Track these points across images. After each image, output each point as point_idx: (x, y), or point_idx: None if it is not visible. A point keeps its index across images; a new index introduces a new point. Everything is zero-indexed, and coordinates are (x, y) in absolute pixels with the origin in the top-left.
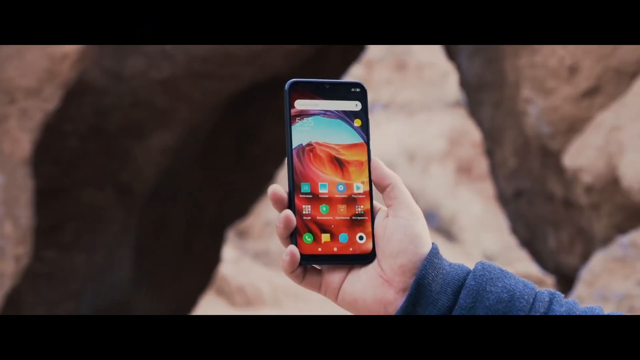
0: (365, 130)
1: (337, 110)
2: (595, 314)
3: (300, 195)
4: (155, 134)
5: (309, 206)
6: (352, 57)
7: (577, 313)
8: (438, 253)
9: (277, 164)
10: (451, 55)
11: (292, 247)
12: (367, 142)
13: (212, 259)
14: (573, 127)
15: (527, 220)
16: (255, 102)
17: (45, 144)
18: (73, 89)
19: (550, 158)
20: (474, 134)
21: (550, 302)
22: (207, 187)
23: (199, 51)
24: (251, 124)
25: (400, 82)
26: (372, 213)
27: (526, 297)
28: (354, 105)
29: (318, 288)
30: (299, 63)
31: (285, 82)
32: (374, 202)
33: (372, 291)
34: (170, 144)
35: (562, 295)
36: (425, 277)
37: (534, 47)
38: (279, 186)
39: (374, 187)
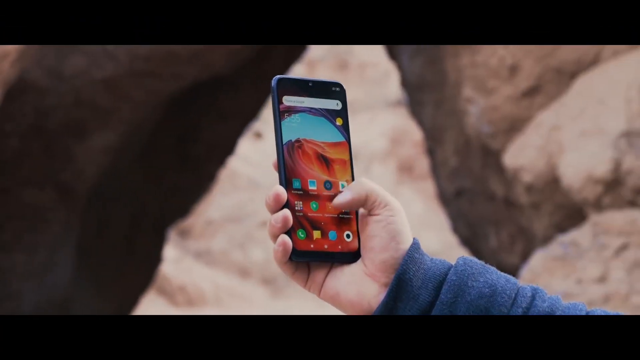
0: (346, 129)
1: (320, 108)
2: (578, 310)
3: (292, 191)
4: (97, 133)
5: (301, 202)
6: (294, 57)
7: (560, 309)
8: (419, 248)
9: (219, 164)
10: (392, 55)
11: (285, 237)
12: (349, 141)
13: (154, 259)
14: (513, 127)
15: (468, 220)
16: (197, 102)
17: None
18: (13, 88)
19: (491, 157)
20: (416, 134)
21: (533, 297)
22: (148, 187)
23: (140, 50)
24: (193, 123)
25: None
26: (357, 211)
27: (508, 292)
28: (336, 104)
29: (304, 283)
30: (241, 62)
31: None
32: None
33: (354, 285)
34: (112, 144)
35: (545, 291)
36: (406, 272)
37: (474, 46)
38: (283, 188)
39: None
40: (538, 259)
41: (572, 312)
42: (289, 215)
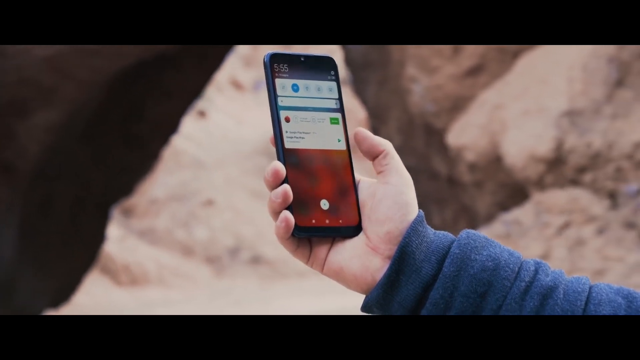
0: (339, 100)
1: (313, 82)
2: (582, 283)
3: (291, 166)
4: (40, 111)
5: (300, 177)
6: None
7: (563, 283)
8: (423, 221)
9: (163, 142)
10: None
11: (287, 213)
12: (343, 114)
13: (97, 238)
14: (457, 106)
15: None
16: (141, 81)
17: None
18: None
19: (435, 136)
20: (359, 112)
21: (536, 271)
22: (92, 166)
23: None
24: (137, 102)
25: None
26: (355, 184)
27: (511, 265)
28: (328, 77)
29: (307, 259)
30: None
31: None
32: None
33: (358, 259)
34: (55, 122)
35: (548, 265)
36: (409, 245)
37: None
38: (281, 163)
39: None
40: None
41: (575, 286)
42: (289, 191)
